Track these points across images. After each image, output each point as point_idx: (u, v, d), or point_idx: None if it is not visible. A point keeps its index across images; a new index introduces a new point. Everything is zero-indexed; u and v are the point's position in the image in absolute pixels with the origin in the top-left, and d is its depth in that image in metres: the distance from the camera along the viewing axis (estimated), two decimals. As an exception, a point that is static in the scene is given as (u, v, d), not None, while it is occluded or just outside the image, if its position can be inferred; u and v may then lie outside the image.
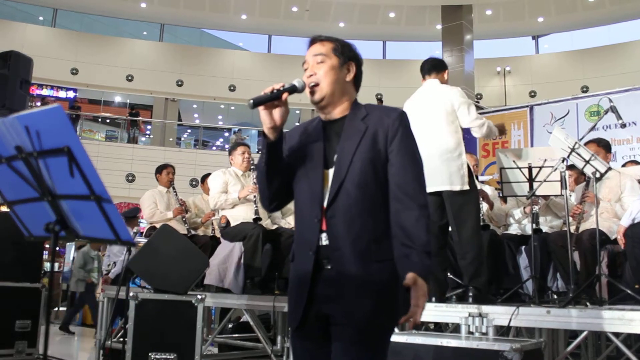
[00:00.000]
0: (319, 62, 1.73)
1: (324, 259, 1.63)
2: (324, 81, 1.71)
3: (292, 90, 1.72)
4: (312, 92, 1.73)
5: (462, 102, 3.62)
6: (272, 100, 1.68)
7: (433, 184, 3.56)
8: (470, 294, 3.53)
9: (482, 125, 3.64)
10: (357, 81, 1.80)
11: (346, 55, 1.75)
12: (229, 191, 4.66)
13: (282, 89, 1.68)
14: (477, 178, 4.07)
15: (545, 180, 3.72)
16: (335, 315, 1.60)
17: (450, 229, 3.70)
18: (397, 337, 2.67)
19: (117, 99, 19.87)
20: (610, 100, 3.64)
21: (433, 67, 3.82)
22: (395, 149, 1.65)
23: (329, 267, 1.62)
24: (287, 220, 4.88)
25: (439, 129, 3.60)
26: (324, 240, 1.63)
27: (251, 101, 1.66)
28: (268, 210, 1.87)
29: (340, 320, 1.59)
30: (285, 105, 1.71)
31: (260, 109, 1.68)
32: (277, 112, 1.68)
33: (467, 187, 3.55)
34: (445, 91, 3.68)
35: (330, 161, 1.69)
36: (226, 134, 19.61)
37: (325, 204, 1.65)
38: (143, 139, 17.72)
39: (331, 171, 1.67)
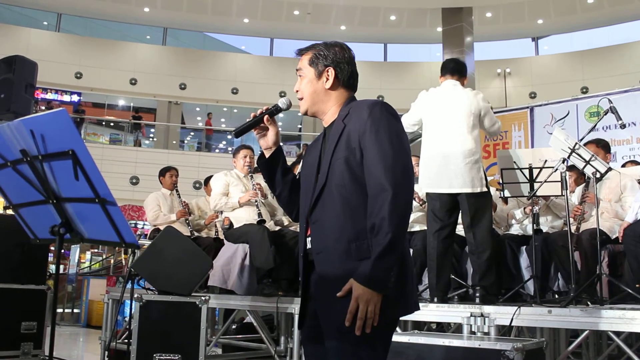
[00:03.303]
0: (300, 77, 1.80)
1: (312, 261, 1.69)
2: (304, 96, 1.78)
3: (276, 111, 1.82)
4: (300, 106, 1.81)
5: (489, 109, 3.77)
6: (253, 126, 1.81)
7: (453, 185, 3.60)
8: (478, 294, 3.56)
9: (498, 129, 3.89)
10: (345, 82, 1.77)
11: (322, 63, 1.75)
12: (230, 192, 4.69)
13: (263, 112, 1.80)
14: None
15: (545, 181, 3.74)
16: (321, 316, 1.64)
17: (463, 229, 3.77)
18: (399, 337, 2.68)
19: (121, 102, 19.94)
20: (610, 101, 3.65)
21: (458, 69, 3.87)
22: (365, 145, 1.61)
23: (315, 269, 1.67)
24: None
25: (463, 132, 3.65)
26: (309, 244, 1.69)
27: (233, 132, 1.81)
28: (292, 219, 1.94)
29: (324, 321, 1.62)
30: (274, 127, 1.82)
31: (255, 133, 1.83)
32: (268, 135, 1.82)
33: (485, 189, 3.64)
34: (472, 96, 3.74)
35: (320, 167, 1.73)
36: (229, 137, 19.65)
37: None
38: (147, 142, 17.80)
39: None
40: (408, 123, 3.88)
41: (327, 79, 1.75)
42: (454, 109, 3.70)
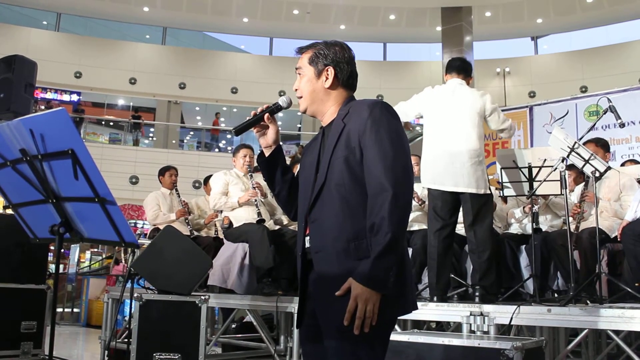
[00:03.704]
0: (299, 75, 1.79)
1: (311, 260, 1.68)
2: (304, 94, 1.78)
3: (276, 110, 1.81)
4: (300, 104, 1.80)
5: (494, 109, 3.76)
6: (254, 124, 1.79)
7: (458, 184, 3.61)
8: (477, 293, 3.56)
9: (510, 129, 3.85)
10: (344, 81, 1.77)
11: (322, 62, 1.75)
12: (229, 191, 4.70)
13: (263, 111, 1.78)
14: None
15: (545, 180, 3.75)
16: (319, 315, 1.64)
17: (464, 228, 3.77)
18: (399, 336, 2.68)
19: (120, 101, 19.94)
20: (609, 100, 3.65)
21: (463, 69, 3.88)
22: (365, 144, 1.61)
23: (313, 269, 1.67)
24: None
25: (468, 131, 3.65)
26: (308, 242, 1.69)
27: (233, 130, 1.78)
28: (290, 218, 1.93)
29: (323, 320, 1.62)
30: (274, 125, 1.81)
31: (254, 131, 1.81)
32: (268, 133, 1.81)
33: (489, 191, 3.67)
34: (478, 96, 3.75)
35: (319, 166, 1.73)
36: (228, 136, 19.67)
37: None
38: (146, 141, 17.81)
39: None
40: (402, 110, 3.87)
41: (327, 78, 1.75)
42: (459, 108, 3.70)
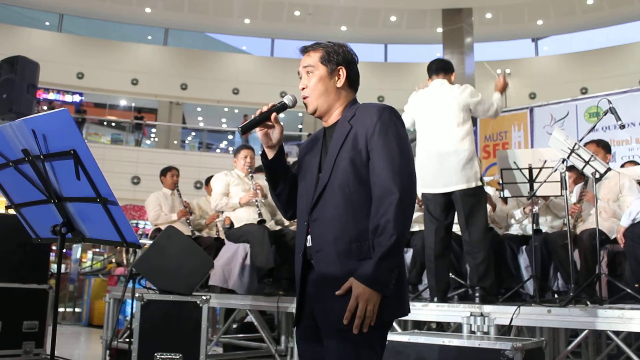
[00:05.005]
0: (308, 74, 1.77)
1: (311, 259, 1.69)
2: (313, 94, 1.75)
3: (282, 108, 1.77)
4: (306, 105, 1.78)
5: (478, 102, 3.74)
6: (260, 123, 1.75)
7: (448, 184, 3.61)
8: (477, 294, 3.57)
9: (496, 112, 3.86)
10: (352, 82, 1.79)
11: (334, 61, 1.75)
12: (230, 192, 4.71)
13: (270, 109, 1.75)
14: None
15: (545, 181, 3.75)
16: (319, 315, 1.65)
17: (460, 229, 3.77)
18: (399, 337, 2.69)
19: (122, 102, 19.97)
20: (609, 102, 3.66)
21: (442, 68, 3.89)
22: (373, 147, 1.62)
23: (314, 268, 1.68)
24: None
25: (453, 130, 3.65)
26: (309, 242, 1.69)
27: (239, 129, 1.74)
28: (287, 218, 1.92)
29: (322, 319, 1.63)
30: (279, 124, 1.77)
31: (257, 130, 1.76)
32: (272, 132, 1.77)
33: (480, 183, 3.65)
34: (459, 92, 3.75)
35: (322, 166, 1.73)
36: (230, 137, 19.69)
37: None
38: (148, 141, 17.83)
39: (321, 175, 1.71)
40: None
41: (339, 78, 1.75)
42: (442, 108, 3.72)
